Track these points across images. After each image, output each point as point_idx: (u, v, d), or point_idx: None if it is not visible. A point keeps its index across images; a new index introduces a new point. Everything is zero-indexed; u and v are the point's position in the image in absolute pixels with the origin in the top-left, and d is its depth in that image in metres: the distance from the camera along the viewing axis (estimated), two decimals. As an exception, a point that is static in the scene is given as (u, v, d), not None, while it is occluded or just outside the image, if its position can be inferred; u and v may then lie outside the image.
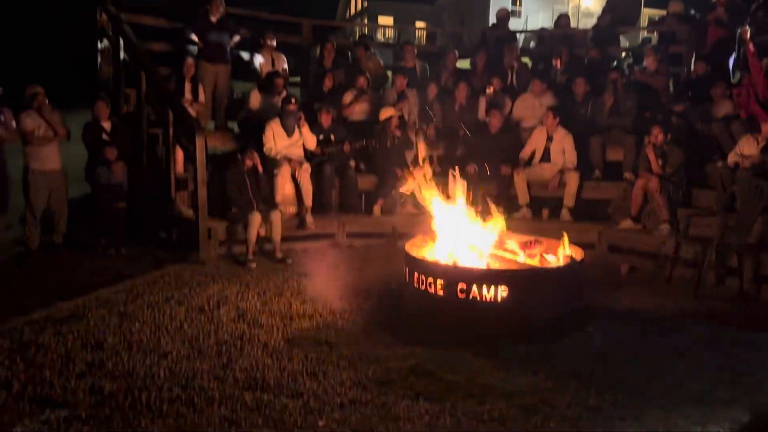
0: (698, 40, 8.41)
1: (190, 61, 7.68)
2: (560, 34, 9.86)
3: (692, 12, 9.16)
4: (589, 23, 17.20)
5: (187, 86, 7.62)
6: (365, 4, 36.66)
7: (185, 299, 5.35)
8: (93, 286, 5.52)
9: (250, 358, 4.21)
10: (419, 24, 15.12)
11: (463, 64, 9.67)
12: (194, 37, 8.13)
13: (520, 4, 30.52)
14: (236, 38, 8.43)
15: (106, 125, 6.93)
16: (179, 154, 7.23)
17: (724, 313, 5.27)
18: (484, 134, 7.84)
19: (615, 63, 9.21)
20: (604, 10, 9.89)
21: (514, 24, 11.47)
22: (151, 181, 7.08)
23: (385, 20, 31.46)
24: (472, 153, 7.79)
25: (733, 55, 8.22)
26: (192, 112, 7.30)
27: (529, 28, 22.48)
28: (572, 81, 8.12)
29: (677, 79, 8.15)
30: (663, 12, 9.47)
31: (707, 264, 5.64)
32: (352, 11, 39.20)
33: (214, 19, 8.16)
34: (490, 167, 7.45)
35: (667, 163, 6.74)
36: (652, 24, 9.76)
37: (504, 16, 10.26)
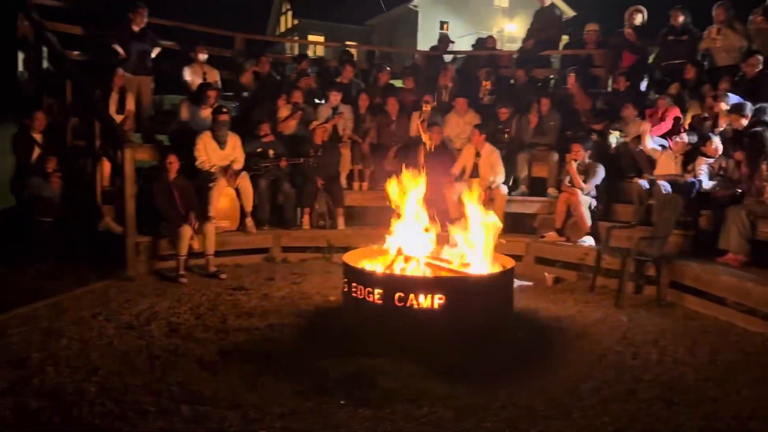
0: (614, 63, 8.98)
1: (120, 72, 7.50)
2: (486, 56, 10.28)
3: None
4: (513, 48, 17.94)
5: (114, 97, 7.42)
6: (296, 21, 36.68)
7: (113, 315, 5.17)
8: (12, 304, 5.24)
9: (186, 372, 4.12)
10: (350, 43, 15.37)
11: (395, 83, 9.88)
12: (117, 48, 7.92)
13: (447, 29, 31.43)
14: (157, 49, 8.28)
15: (38, 136, 6.65)
16: (106, 167, 7.01)
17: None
18: (419, 151, 8.01)
19: (540, 84, 9.65)
20: (528, 35, 10.37)
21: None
22: (76, 195, 6.81)
23: (316, 38, 31.63)
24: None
25: (645, 79, 8.81)
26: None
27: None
28: (499, 101, 8.47)
29: (596, 99, 8.63)
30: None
31: (627, 274, 5.96)
32: (282, 28, 39.09)
33: (137, 28, 7.98)
34: (428, 183, 7.60)
35: (588, 178, 7.13)
36: (571, 48, 10.28)
37: (445, 38, 11.75)
